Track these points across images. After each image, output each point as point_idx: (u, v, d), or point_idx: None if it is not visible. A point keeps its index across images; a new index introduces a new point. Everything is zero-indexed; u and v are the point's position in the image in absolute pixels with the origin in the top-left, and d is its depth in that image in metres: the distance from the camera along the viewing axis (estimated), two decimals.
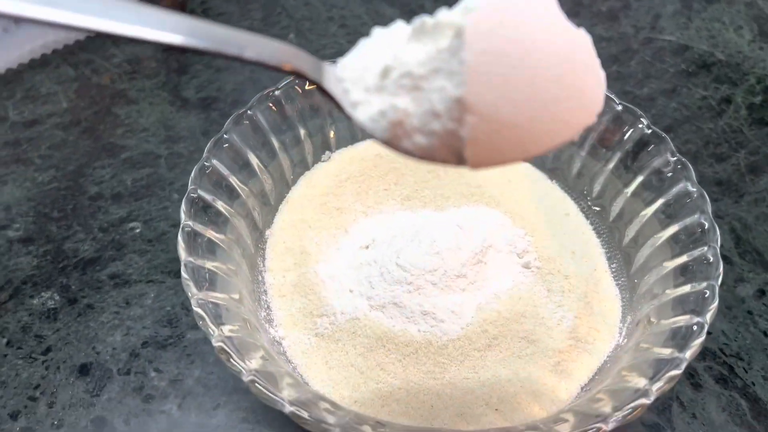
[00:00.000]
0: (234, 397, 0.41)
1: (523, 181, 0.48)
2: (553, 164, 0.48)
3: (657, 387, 0.31)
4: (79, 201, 0.52)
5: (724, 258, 0.49)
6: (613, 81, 0.63)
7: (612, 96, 0.44)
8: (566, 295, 0.41)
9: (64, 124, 0.58)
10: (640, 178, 0.42)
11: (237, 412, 0.41)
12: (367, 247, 0.42)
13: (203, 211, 0.38)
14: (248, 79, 0.62)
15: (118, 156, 0.56)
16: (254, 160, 0.43)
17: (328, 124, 0.48)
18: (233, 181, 0.41)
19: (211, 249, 0.37)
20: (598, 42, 0.67)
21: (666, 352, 0.33)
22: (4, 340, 0.44)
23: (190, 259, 0.35)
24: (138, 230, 0.50)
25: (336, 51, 0.65)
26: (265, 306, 0.41)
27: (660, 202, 0.41)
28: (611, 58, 0.65)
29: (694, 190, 0.39)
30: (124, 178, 0.54)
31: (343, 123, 0.49)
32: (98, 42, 0.65)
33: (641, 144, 0.43)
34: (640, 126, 0.43)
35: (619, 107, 0.44)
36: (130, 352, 0.44)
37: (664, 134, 0.42)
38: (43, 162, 0.55)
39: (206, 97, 0.61)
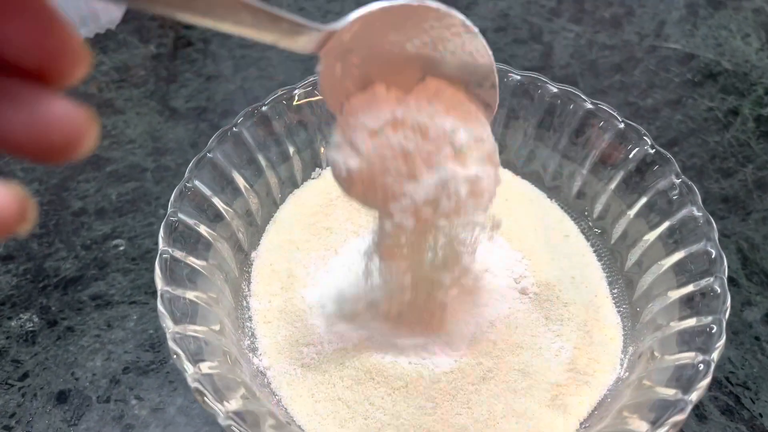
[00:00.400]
0: (217, 427, 0.40)
1: (521, 199, 0.46)
2: (552, 182, 0.46)
3: None
4: (61, 216, 0.51)
5: (731, 280, 0.47)
6: (616, 91, 0.61)
7: (615, 113, 0.42)
8: (565, 323, 0.39)
9: None
10: (643, 200, 0.40)
11: None
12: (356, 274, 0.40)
13: (183, 236, 0.37)
14: (239, 88, 0.60)
15: (103, 169, 0.54)
16: (239, 180, 0.41)
17: (317, 139, 0.46)
18: (217, 202, 0.40)
19: (191, 277, 0.35)
20: (601, 50, 0.65)
21: (669, 392, 0.31)
22: None
23: (168, 289, 0.33)
24: (122, 248, 0.49)
25: None
26: (250, 333, 0.39)
27: (665, 225, 0.39)
28: (614, 67, 0.63)
29: (700, 215, 0.37)
30: (108, 192, 0.52)
31: None
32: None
33: (645, 164, 0.41)
34: (644, 146, 0.41)
35: (621, 125, 0.42)
36: (110, 379, 0.42)
37: (668, 155, 0.40)
38: (26, 175, 0.53)
39: (196, 107, 0.59)
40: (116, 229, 0.50)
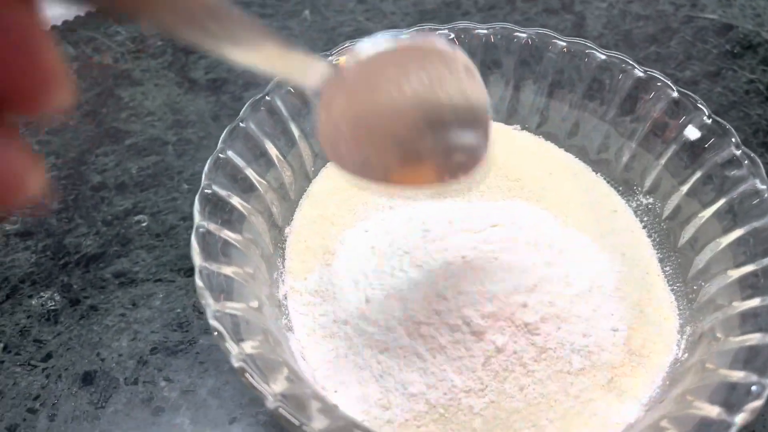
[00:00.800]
0: (251, 409, 0.38)
1: (565, 172, 0.44)
2: (597, 155, 0.44)
3: (741, 418, 0.27)
4: (80, 191, 0.49)
5: None
6: (652, 63, 0.59)
7: (668, 81, 0.40)
8: (618, 302, 0.37)
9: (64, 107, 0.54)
10: (699, 174, 0.38)
11: (255, 427, 0.38)
12: (397, 248, 0.38)
13: (218, 208, 0.35)
14: None
15: (122, 142, 0.52)
16: (272, 150, 0.39)
17: None
18: (250, 173, 0.37)
19: (226, 252, 0.33)
20: (636, 21, 0.62)
21: (738, 375, 0.29)
22: (1, 345, 0.41)
23: (205, 264, 0.31)
24: (144, 224, 0.47)
25: (354, 29, 0.61)
26: (285, 312, 0.37)
27: (723, 200, 0.37)
28: (649, 38, 0.61)
29: (764, 188, 0.35)
30: (129, 166, 0.50)
31: None
32: (100, 18, 0.61)
33: (701, 135, 0.39)
34: (701, 116, 0.39)
35: (675, 93, 0.40)
36: (137, 359, 0.40)
37: (727, 125, 0.38)
38: (42, 148, 0.51)
39: (216, 78, 0.56)
40: (138, 204, 0.48)
